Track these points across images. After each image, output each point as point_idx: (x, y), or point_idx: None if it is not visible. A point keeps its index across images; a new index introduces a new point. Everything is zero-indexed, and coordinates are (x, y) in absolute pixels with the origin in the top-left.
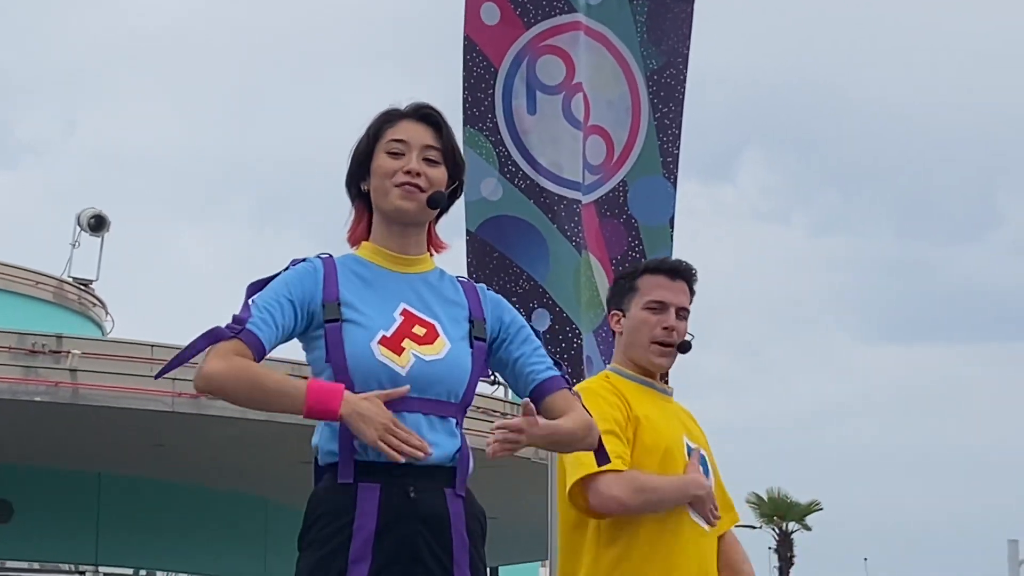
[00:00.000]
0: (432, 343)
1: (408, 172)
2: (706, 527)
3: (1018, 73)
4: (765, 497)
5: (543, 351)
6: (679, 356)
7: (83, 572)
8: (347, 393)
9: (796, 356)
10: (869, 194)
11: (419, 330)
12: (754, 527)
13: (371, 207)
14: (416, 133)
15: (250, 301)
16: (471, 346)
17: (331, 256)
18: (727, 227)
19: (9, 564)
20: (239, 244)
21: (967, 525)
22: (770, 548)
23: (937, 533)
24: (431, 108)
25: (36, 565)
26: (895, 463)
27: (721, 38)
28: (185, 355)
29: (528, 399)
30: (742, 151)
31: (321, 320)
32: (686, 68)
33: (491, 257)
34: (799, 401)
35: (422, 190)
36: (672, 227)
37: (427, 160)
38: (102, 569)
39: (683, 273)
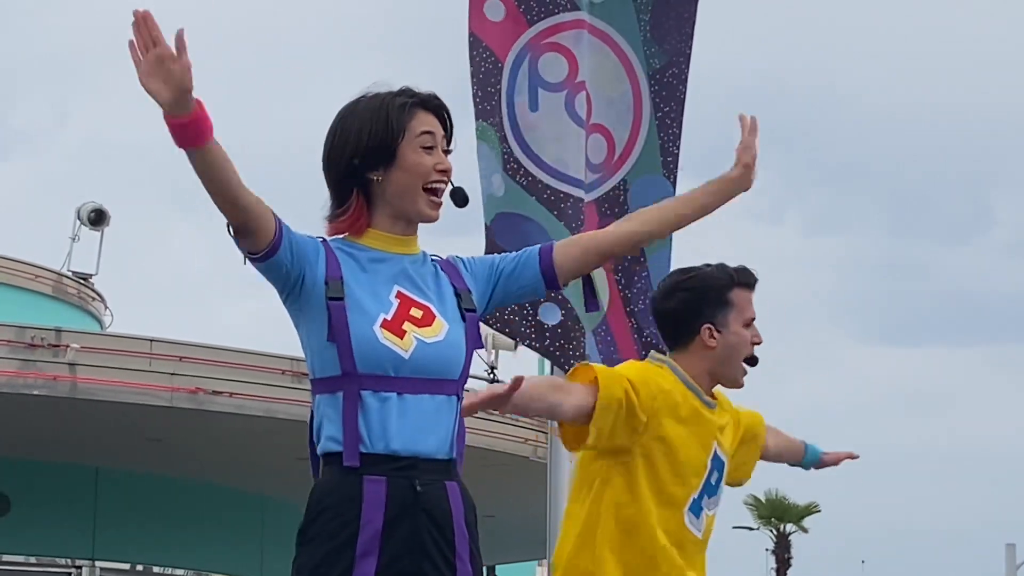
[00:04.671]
0: (431, 324)
1: (444, 171)
2: (699, 535)
3: (1013, 75)
4: (763, 499)
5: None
6: None
7: (79, 567)
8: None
9: (791, 357)
10: (863, 194)
11: (416, 312)
12: (752, 528)
13: (370, 195)
14: (435, 124)
15: None
16: (463, 319)
17: (324, 239)
18: (720, 226)
19: (5, 558)
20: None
21: (965, 528)
22: (767, 550)
23: (935, 536)
24: (441, 100)
25: (33, 559)
26: (893, 466)
27: (715, 37)
28: None
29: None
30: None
31: (322, 296)
32: (688, 67)
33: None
34: (795, 402)
35: (446, 185)
36: None
37: (444, 152)
38: (99, 564)
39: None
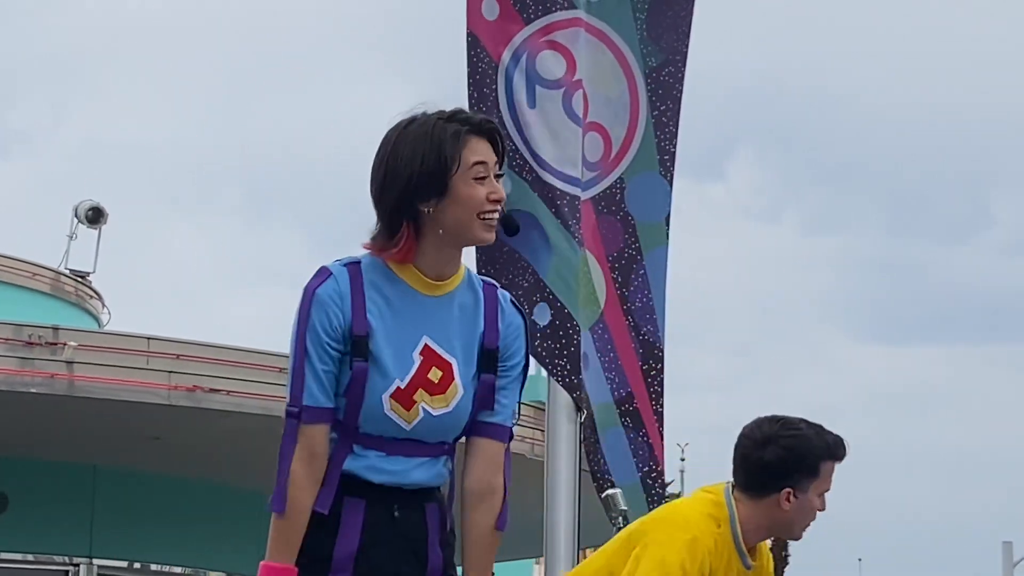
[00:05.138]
0: (444, 392)
1: (496, 201)
2: None
3: (1010, 74)
4: None
5: (516, 395)
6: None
7: (77, 564)
8: None
9: (788, 356)
10: (861, 194)
11: (435, 374)
12: None
13: (419, 226)
14: (487, 151)
15: (305, 360)
16: (477, 380)
17: (358, 264)
18: (718, 225)
19: (3, 556)
20: (233, 236)
21: (961, 527)
22: None
23: (931, 534)
24: (494, 124)
25: (30, 557)
26: (889, 464)
27: (713, 36)
28: (283, 469)
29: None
30: (733, 149)
31: (349, 349)
32: (685, 66)
33: (500, 252)
34: (792, 401)
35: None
36: (668, 224)
37: (496, 176)
38: (96, 562)
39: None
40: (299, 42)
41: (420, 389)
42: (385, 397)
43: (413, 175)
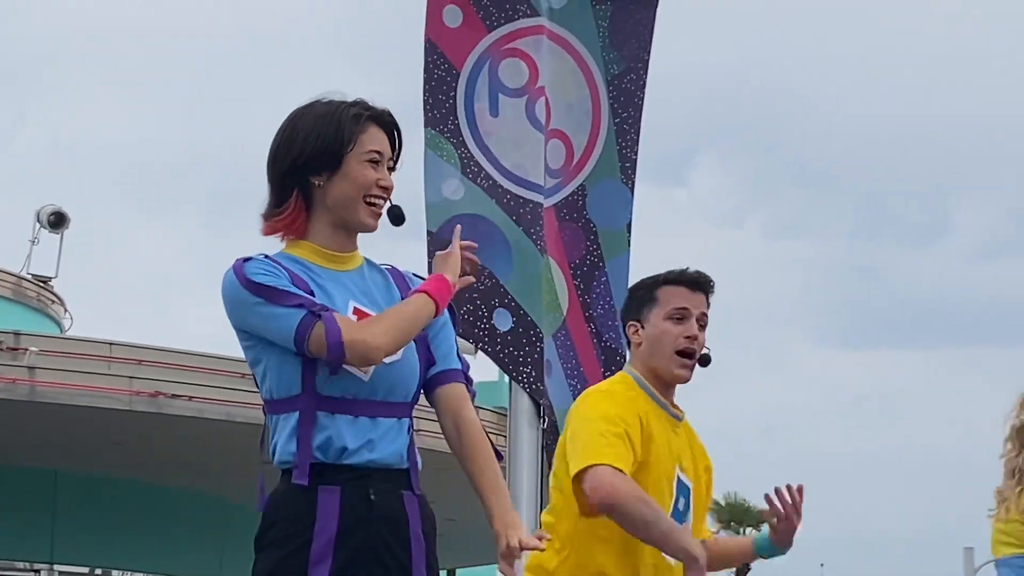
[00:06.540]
0: None
1: (385, 188)
2: (672, 562)
3: (973, 81)
4: (723, 503)
5: (450, 338)
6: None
7: (38, 570)
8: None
9: (753, 361)
10: (824, 199)
11: None
12: (712, 532)
13: (310, 199)
14: (384, 142)
15: (273, 296)
16: (414, 341)
17: (266, 256)
18: (682, 231)
19: None
20: (194, 241)
21: (924, 532)
22: None
23: (894, 540)
24: (394, 119)
25: None
26: (852, 469)
27: (676, 41)
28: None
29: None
30: (700, 153)
31: None
32: (646, 73)
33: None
34: (756, 406)
35: (385, 202)
36: (630, 231)
37: (388, 169)
38: (57, 567)
39: (703, 285)
40: (262, 44)
41: None
42: None
43: (309, 147)
